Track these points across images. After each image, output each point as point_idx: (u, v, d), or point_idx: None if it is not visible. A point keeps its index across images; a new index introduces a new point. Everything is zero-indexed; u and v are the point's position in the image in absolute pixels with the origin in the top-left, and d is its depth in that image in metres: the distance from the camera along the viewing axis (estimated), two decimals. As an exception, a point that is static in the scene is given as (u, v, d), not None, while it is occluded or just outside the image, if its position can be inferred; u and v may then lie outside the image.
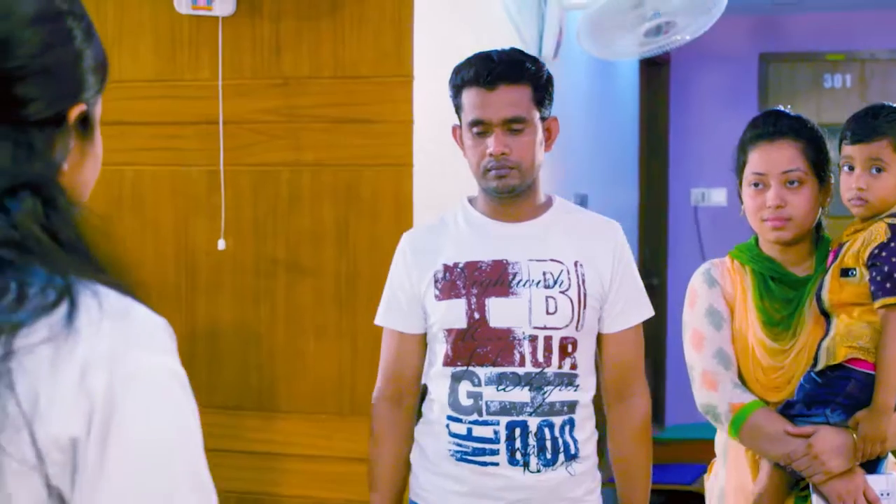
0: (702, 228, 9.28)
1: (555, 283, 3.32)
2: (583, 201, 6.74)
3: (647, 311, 3.47)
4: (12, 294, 1.35)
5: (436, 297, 3.38)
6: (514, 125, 3.29)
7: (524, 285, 3.32)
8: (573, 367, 3.33)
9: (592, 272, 3.36)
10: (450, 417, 3.37)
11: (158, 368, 1.43)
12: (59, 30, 1.51)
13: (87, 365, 1.36)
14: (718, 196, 9.47)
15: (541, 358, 3.30)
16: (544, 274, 3.33)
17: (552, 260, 3.35)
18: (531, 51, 5.22)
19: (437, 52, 4.47)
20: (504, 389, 3.29)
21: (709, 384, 3.41)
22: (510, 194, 3.35)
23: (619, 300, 3.39)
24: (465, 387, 3.34)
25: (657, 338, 8.72)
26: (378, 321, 3.52)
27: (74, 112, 1.52)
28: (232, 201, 4.48)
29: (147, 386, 1.41)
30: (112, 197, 4.59)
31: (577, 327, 3.33)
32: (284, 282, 4.47)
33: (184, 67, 4.54)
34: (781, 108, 3.57)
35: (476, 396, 3.32)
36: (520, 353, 3.30)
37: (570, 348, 3.32)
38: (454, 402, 3.35)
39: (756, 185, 3.41)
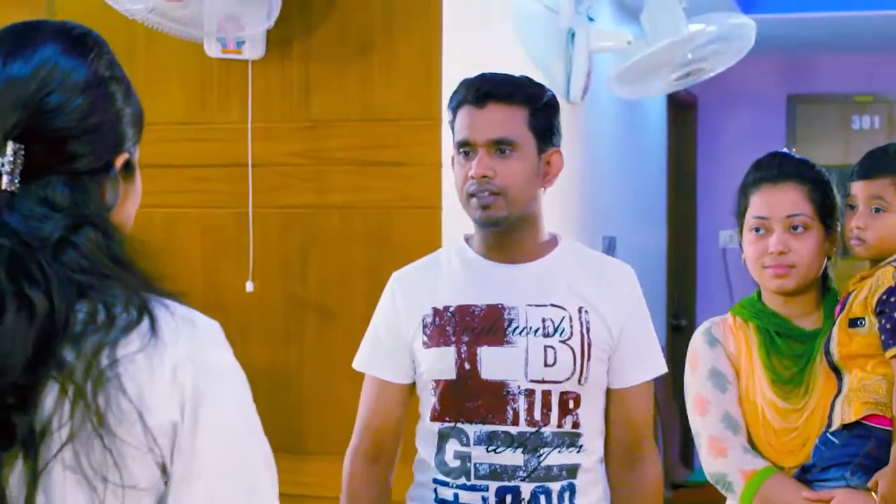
0: (730, 270, 9.25)
1: (555, 331, 2.98)
2: (611, 244, 6.73)
3: (660, 368, 3.15)
4: (102, 315, 1.64)
5: (424, 343, 3.04)
6: (500, 146, 2.96)
7: (521, 333, 2.97)
8: (575, 425, 2.99)
9: (598, 320, 3.02)
10: (436, 480, 3.04)
11: (227, 363, 1.76)
12: (104, 94, 1.78)
13: (175, 365, 1.67)
14: (747, 238, 9.44)
15: (537, 415, 2.96)
16: (544, 321, 2.99)
17: (553, 305, 3.01)
18: (558, 93, 5.24)
19: (465, 94, 4.48)
20: (495, 451, 2.95)
21: (717, 451, 3.17)
22: (498, 228, 3.00)
23: (629, 352, 3.06)
24: (452, 446, 3.00)
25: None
26: (358, 366, 3.23)
27: (119, 160, 1.80)
28: (260, 243, 4.49)
29: (222, 378, 1.73)
30: (141, 238, 4.59)
31: (579, 381, 2.98)
32: (313, 324, 4.47)
33: (213, 110, 4.57)
34: (786, 150, 3.41)
35: (464, 458, 2.98)
36: (513, 409, 2.95)
37: (571, 404, 2.98)
38: (441, 463, 3.02)
39: (757, 229, 3.22)
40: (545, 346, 2.98)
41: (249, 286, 4.46)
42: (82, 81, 1.76)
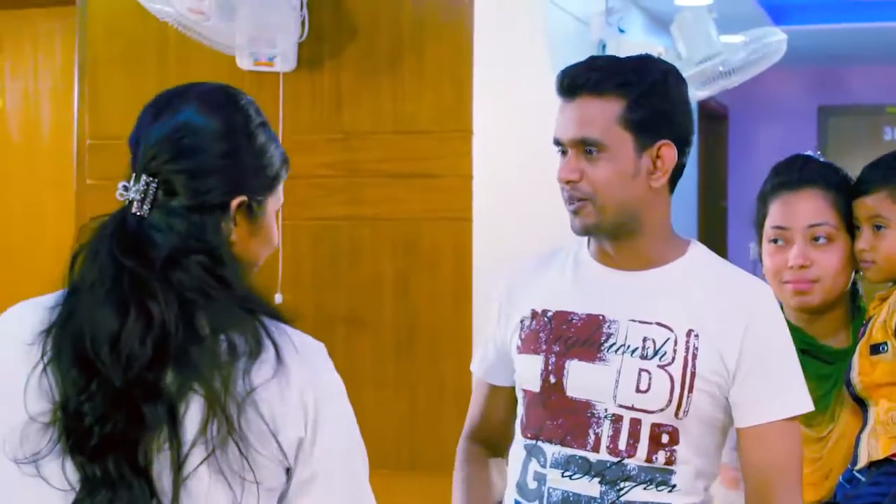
0: (761, 282, 9.21)
1: (655, 353, 2.58)
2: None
3: (799, 405, 2.62)
4: (224, 345, 1.94)
5: (518, 348, 2.72)
6: (586, 146, 2.58)
7: (617, 351, 2.60)
8: (669, 462, 2.57)
9: (710, 347, 2.57)
10: (516, 502, 2.73)
11: (337, 385, 2.09)
12: (229, 145, 2.07)
13: (301, 390, 1.99)
14: (778, 250, 9.43)
15: (622, 445, 2.57)
16: (644, 340, 2.59)
17: (658, 324, 2.60)
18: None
19: (496, 106, 4.49)
20: (570, 477, 2.61)
21: (729, 481, 2.86)
22: (593, 235, 2.67)
23: (754, 386, 2.58)
24: (533, 466, 2.67)
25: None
26: (471, 366, 2.97)
27: (235, 202, 2.05)
28: (291, 255, 4.50)
29: (334, 399, 2.06)
30: (173, 251, 4.62)
31: (677, 414, 2.56)
32: (343, 335, 4.47)
33: (245, 122, 4.57)
34: (811, 153, 3.13)
35: (541, 480, 2.66)
36: (595, 434, 2.59)
37: (665, 439, 2.57)
38: (522, 483, 2.71)
39: (776, 241, 2.91)
40: (640, 370, 2.58)
41: (278, 298, 4.47)
42: (210, 132, 2.06)
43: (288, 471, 2.00)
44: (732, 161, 9.70)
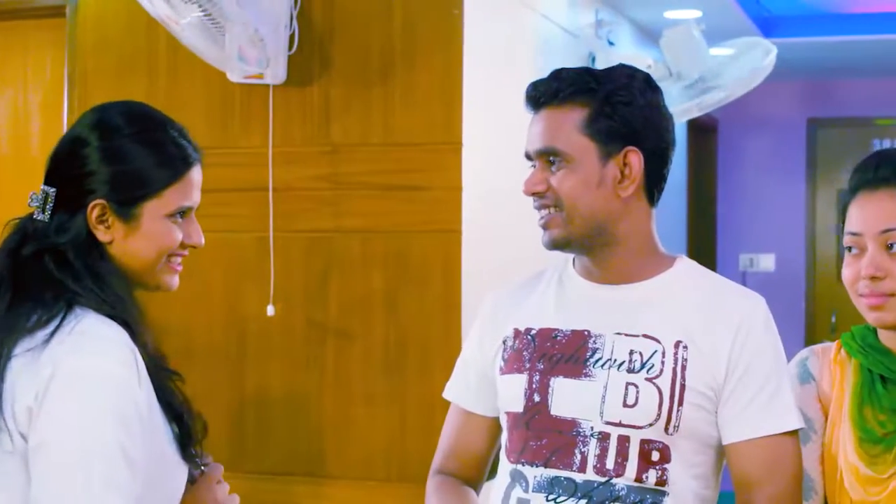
0: (751, 294, 9.22)
1: (642, 366, 2.47)
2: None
3: (788, 422, 2.48)
4: (22, 321, 2.18)
5: (500, 369, 2.62)
6: (549, 157, 2.53)
7: (603, 366, 2.48)
8: (661, 482, 2.44)
9: (700, 358, 2.46)
10: None
11: (87, 370, 2.12)
12: (84, 155, 2.27)
13: (45, 363, 2.12)
14: (767, 262, 9.45)
15: (609, 464, 2.44)
16: (631, 353, 2.48)
17: (645, 336, 2.50)
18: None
19: (485, 119, 4.50)
20: (555, 500, 2.46)
21: None
22: (564, 251, 2.59)
23: (742, 400, 2.46)
24: (516, 492, 2.53)
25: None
26: (445, 392, 2.82)
27: (90, 207, 2.24)
28: (281, 267, 4.50)
29: (73, 378, 2.11)
30: (163, 263, 4.62)
31: (666, 429, 2.44)
32: (333, 348, 4.48)
33: (235, 135, 4.58)
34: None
35: None
36: (581, 453, 2.46)
37: (655, 456, 2.44)
38: None
39: (850, 249, 2.53)
40: (627, 384, 2.46)
41: (270, 310, 4.47)
42: (67, 144, 2.30)
43: (24, 438, 2.12)
44: (721, 172, 9.71)
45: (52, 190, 2.26)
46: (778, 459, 2.47)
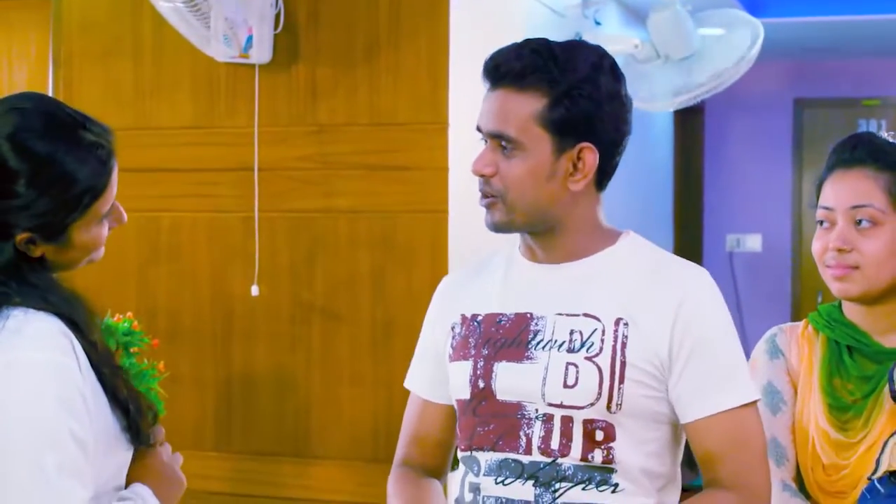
0: (737, 275, 9.25)
1: (581, 345, 2.42)
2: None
3: (746, 393, 2.43)
4: None
5: (449, 356, 2.59)
6: (501, 141, 2.44)
7: (544, 347, 2.44)
8: (607, 461, 2.41)
9: (640, 335, 2.41)
10: None
11: (23, 362, 2.10)
12: (3, 188, 2.18)
13: None
14: (753, 242, 9.46)
15: (554, 444, 2.41)
16: (571, 333, 2.43)
17: (585, 315, 2.44)
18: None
19: (472, 98, 4.47)
20: (503, 483, 2.45)
21: None
22: (505, 233, 2.54)
23: (695, 376, 2.40)
24: (469, 478, 2.52)
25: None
26: (405, 381, 2.80)
27: (19, 238, 2.20)
28: (267, 248, 4.50)
29: (9, 370, 2.08)
30: (149, 243, 4.61)
31: (609, 407, 2.40)
32: (320, 328, 4.47)
33: (221, 115, 4.57)
34: (876, 130, 2.89)
35: (475, 490, 2.50)
36: (526, 435, 2.44)
37: (599, 436, 2.41)
38: (459, 498, 2.55)
39: (822, 222, 2.68)
40: (567, 364, 2.42)
41: (255, 290, 4.47)
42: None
43: None
44: (708, 153, 9.72)
45: None
46: (740, 433, 2.42)
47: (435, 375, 2.65)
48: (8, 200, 2.18)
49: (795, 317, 9.17)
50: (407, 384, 2.76)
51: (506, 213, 2.47)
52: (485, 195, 2.49)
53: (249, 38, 4.35)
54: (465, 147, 4.38)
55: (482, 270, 2.66)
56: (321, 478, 4.47)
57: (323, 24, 4.46)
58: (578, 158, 2.43)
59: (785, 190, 9.59)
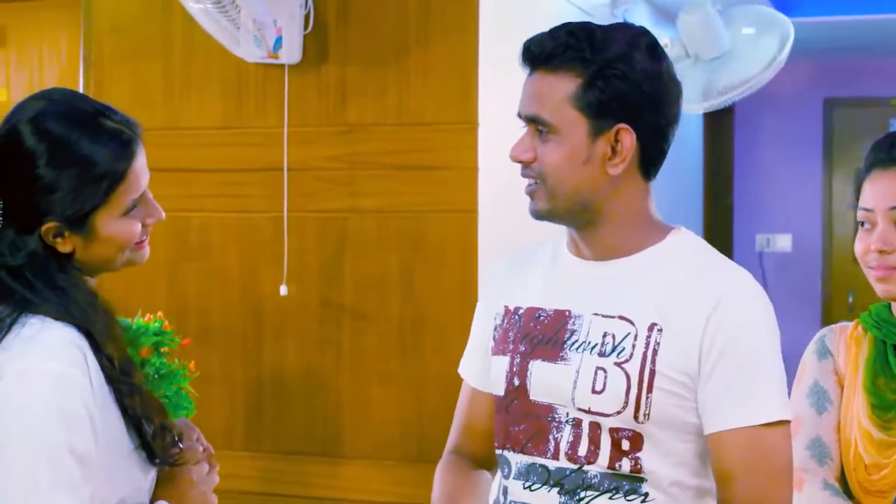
0: (767, 275, 9.21)
1: (613, 349, 2.32)
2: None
3: (769, 410, 2.27)
4: None
5: (491, 349, 2.52)
6: (537, 125, 2.37)
7: (578, 349, 2.35)
8: (636, 470, 2.31)
9: (673, 342, 2.29)
10: None
11: (37, 371, 2.08)
12: (26, 175, 2.19)
13: None
14: (783, 242, 9.43)
15: (581, 451, 2.33)
16: (604, 336, 2.34)
17: (620, 317, 2.34)
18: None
19: (501, 98, 4.48)
20: (530, 488, 2.38)
21: (795, 483, 2.47)
22: (547, 221, 2.45)
23: (718, 387, 2.27)
24: (501, 479, 2.47)
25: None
26: (459, 367, 2.73)
27: (44, 229, 2.19)
28: (296, 248, 4.50)
29: (21, 378, 2.08)
30: (179, 243, 4.62)
31: (636, 416, 2.30)
32: (349, 328, 4.48)
33: (250, 115, 4.58)
34: None
35: (504, 493, 2.45)
36: (555, 440, 2.36)
37: (626, 445, 2.31)
38: (497, 499, 2.50)
39: (862, 224, 2.66)
40: (597, 368, 2.32)
41: (283, 290, 4.47)
42: (8, 157, 2.21)
43: None
44: (738, 154, 9.69)
45: None
46: (759, 453, 2.28)
47: (483, 364, 2.56)
48: (30, 186, 2.18)
49: (825, 317, 9.13)
50: (459, 370, 2.70)
51: (547, 201, 2.38)
52: (528, 182, 2.41)
53: (279, 39, 4.35)
54: (494, 147, 4.38)
55: (529, 261, 2.57)
56: (351, 477, 4.47)
57: (352, 24, 4.46)
58: (616, 141, 2.33)
59: (815, 190, 9.56)
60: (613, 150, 2.34)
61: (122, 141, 2.22)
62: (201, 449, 2.39)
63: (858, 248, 2.65)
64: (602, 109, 2.31)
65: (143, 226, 2.30)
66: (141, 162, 2.26)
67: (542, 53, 2.36)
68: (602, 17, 5.78)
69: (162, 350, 3.77)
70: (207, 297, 4.62)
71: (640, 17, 6.57)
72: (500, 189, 4.41)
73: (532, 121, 2.36)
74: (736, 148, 9.71)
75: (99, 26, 4.78)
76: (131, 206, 2.25)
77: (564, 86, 2.32)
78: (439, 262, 4.36)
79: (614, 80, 2.30)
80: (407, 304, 4.41)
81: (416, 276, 4.40)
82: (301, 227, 4.51)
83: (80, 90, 4.78)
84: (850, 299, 9.07)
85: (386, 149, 4.42)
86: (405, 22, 4.40)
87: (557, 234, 2.56)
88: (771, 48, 5.63)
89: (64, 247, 2.22)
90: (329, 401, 4.50)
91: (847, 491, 2.62)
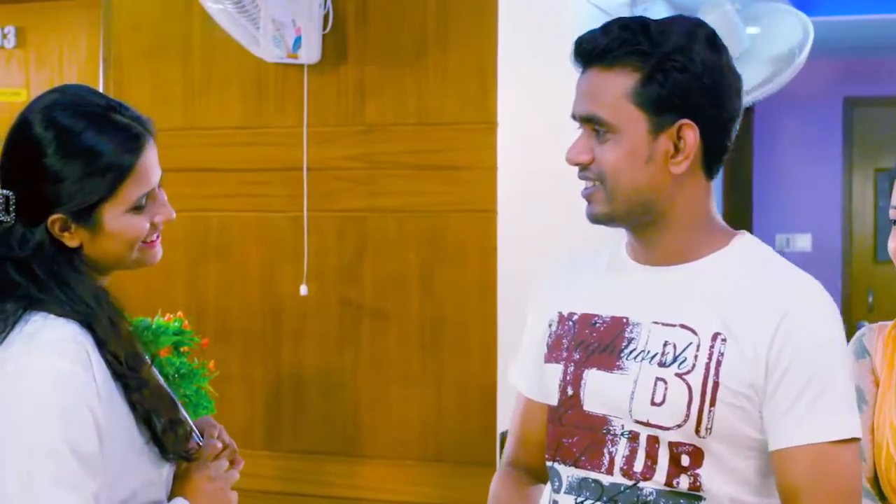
0: (787, 274, 9.17)
1: (674, 360, 2.20)
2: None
3: (838, 427, 2.15)
4: None
5: (544, 356, 2.39)
6: (594, 125, 2.22)
7: (636, 358, 2.23)
8: (694, 487, 2.18)
9: (737, 353, 2.17)
10: None
11: (36, 367, 2.08)
12: (35, 167, 2.18)
13: None
14: (803, 242, 9.40)
15: (637, 466, 2.21)
16: (665, 345, 2.21)
17: (682, 326, 2.22)
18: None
19: (520, 98, 4.47)
20: (582, 503, 2.27)
21: None
22: (607, 225, 2.30)
23: (785, 401, 2.15)
24: (552, 492, 2.35)
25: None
26: (510, 375, 2.59)
27: (51, 220, 2.18)
28: (316, 247, 4.50)
29: (20, 374, 2.07)
30: (198, 242, 4.63)
31: (697, 431, 2.17)
32: (368, 327, 4.48)
33: (269, 115, 4.58)
34: None
35: None
36: (609, 454, 2.24)
37: (685, 460, 2.18)
38: None
39: (894, 222, 2.58)
40: (657, 379, 2.20)
41: (304, 290, 4.48)
42: (19, 150, 2.21)
43: None
44: (757, 153, 9.67)
45: (11, 194, 2.20)
46: (827, 473, 2.15)
47: (534, 372, 2.43)
48: (37, 176, 2.17)
49: (845, 317, 9.09)
50: (511, 380, 2.56)
51: (606, 203, 2.24)
52: (586, 185, 2.26)
53: (298, 39, 4.35)
54: (513, 146, 4.38)
55: (584, 264, 2.44)
56: (370, 477, 4.47)
57: (371, 25, 4.46)
58: (679, 137, 2.20)
59: (835, 189, 9.53)
60: (676, 148, 2.22)
61: (131, 135, 2.21)
62: (221, 445, 2.39)
63: (892, 245, 2.55)
64: (663, 105, 2.19)
65: (153, 225, 2.27)
66: (150, 158, 2.24)
67: (595, 49, 2.22)
68: (621, 16, 5.76)
69: (182, 349, 3.78)
70: (227, 296, 4.62)
71: (659, 16, 6.55)
72: (519, 188, 4.41)
73: (588, 120, 2.22)
74: (755, 147, 9.68)
75: (118, 26, 4.79)
76: (139, 201, 2.22)
77: (621, 81, 2.19)
78: (458, 261, 4.36)
79: (674, 72, 2.19)
80: (426, 304, 4.41)
81: (435, 276, 4.40)
82: (321, 227, 4.52)
83: (100, 90, 4.79)
84: (870, 299, 9.04)
85: (405, 148, 4.42)
86: (424, 22, 4.40)
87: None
88: (791, 47, 5.61)
89: (71, 241, 2.20)
90: (348, 400, 4.50)
91: (879, 492, 2.56)
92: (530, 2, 4.73)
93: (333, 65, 4.49)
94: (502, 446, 4.16)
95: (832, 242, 9.37)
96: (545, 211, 4.53)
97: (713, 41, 2.28)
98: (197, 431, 2.40)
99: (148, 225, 2.25)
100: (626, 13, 5.73)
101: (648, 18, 2.28)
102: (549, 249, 4.09)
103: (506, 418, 4.26)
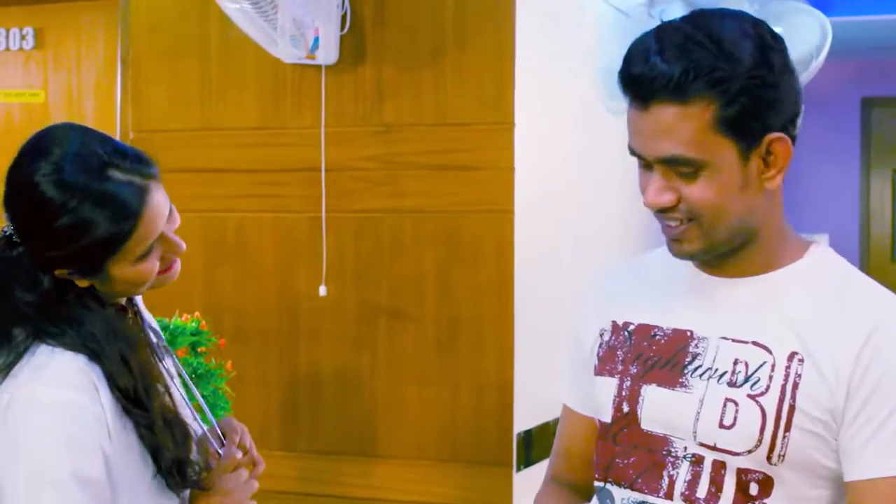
0: (804, 275, 9.16)
1: (746, 380, 2.05)
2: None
3: None
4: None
5: (595, 368, 2.26)
6: (677, 167, 2.04)
7: (702, 375, 2.09)
8: None
9: (815, 375, 2.02)
10: None
11: (44, 399, 2.10)
12: (42, 223, 2.18)
13: (3, 391, 2.12)
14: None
15: (700, 492, 2.07)
16: (735, 363, 2.07)
17: (755, 343, 2.07)
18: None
19: (538, 98, 4.48)
20: None
21: None
22: (698, 259, 2.16)
23: (866, 430, 1.99)
24: None
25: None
26: (557, 386, 2.48)
27: (58, 273, 2.20)
28: (334, 248, 4.51)
29: (29, 406, 2.09)
30: (215, 243, 4.63)
31: (769, 458, 2.02)
32: (385, 328, 4.48)
33: (287, 115, 4.58)
34: None
35: None
36: (669, 477, 2.10)
37: (754, 489, 2.04)
38: None
39: None
40: (726, 399, 2.06)
41: (323, 290, 4.48)
42: (26, 200, 2.21)
43: None
44: (775, 153, 9.66)
45: (15, 235, 2.23)
46: None
47: (581, 384, 2.33)
48: (41, 239, 2.19)
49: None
50: (557, 390, 2.46)
51: (702, 240, 2.09)
52: (672, 226, 2.11)
53: (316, 39, 4.35)
54: (531, 147, 4.38)
55: (640, 269, 2.32)
56: (386, 477, 4.47)
57: (389, 25, 4.46)
58: (768, 153, 2.07)
59: (853, 190, 9.52)
60: (765, 163, 2.08)
61: (130, 196, 2.17)
62: (240, 454, 2.38)
63: None
64: (750, 125, 2.03)
65: (164, 259, 2.28)
66: (154, 209, 2.20)
67: (664, 84, 2.01)
68: (639, 17, 5.76)
69: (199, 350, 3.78)
70: (244, 297, 4.63)
71: (677, 16, 6.54)
72: (537, 189, 4.41)
73: (670, 163, 2.04)
74: (773, 148, 9.68)
75: (136, 27, 4.79)
76: (146, 252, 2.23)
77: (702, 113, 2.00)
78: (475, 262, 4.36)
79: (755, 90, 2.01)
80: (443, 305, 4.41)
81: (452, 277, 4.39)
82: (338, 228, 4.52)
83: (118, 91, 4.80)
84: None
85: (423, 149, 4.42)
86: (441, 22, 4.40)
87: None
88: (809, 48, 5.59)
89: (81, 283, 2.23)
90: (365, 401, 4.50)
91: None
92: (548, 2, 4.74)
93: (351, 65, 4.49)
94: (519, 447, 4.18)
95: (849, 243, 9.37)
96: (562, 211, 4.54)
97: (776, 37, 2.10)
98: (220, 433, 2.41)
99: (157, 265, 2.27)
100: (643, 14, 5.73)
101: (701, 31, 2.06)
102: (566, 251, 4.09)
103: (522, 419, 4.26)
